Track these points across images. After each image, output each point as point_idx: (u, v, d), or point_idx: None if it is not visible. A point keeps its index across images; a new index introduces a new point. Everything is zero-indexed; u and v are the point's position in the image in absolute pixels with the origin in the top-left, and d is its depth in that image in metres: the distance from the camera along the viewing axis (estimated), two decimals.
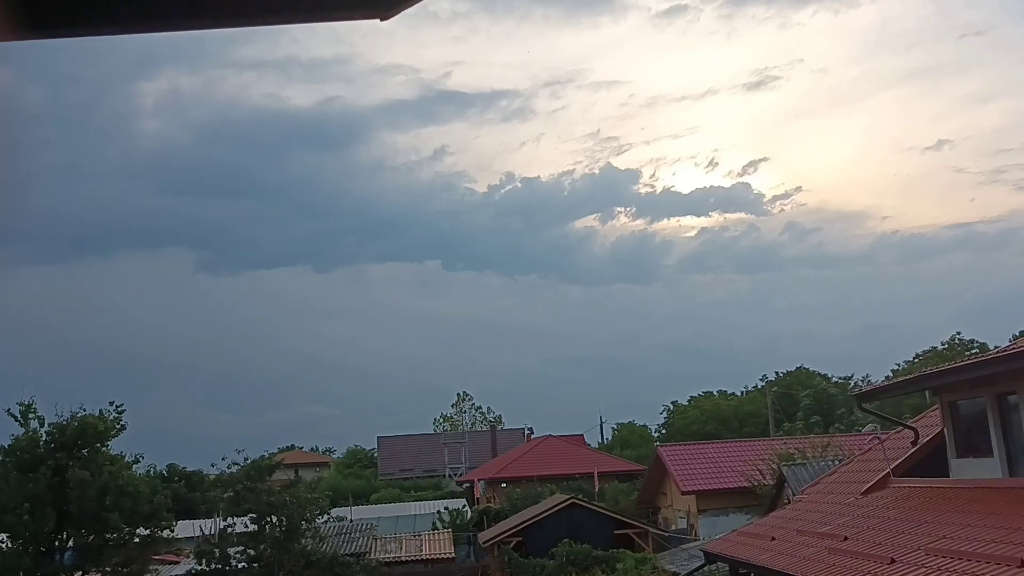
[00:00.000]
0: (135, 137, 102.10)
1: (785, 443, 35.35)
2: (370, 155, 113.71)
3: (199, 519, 40.10)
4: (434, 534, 38.98)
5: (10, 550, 29.43)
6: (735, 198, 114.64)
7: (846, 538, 14.59)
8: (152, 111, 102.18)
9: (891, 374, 54.52)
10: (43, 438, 30.44)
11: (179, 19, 1.41)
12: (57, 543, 30.40)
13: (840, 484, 19.31)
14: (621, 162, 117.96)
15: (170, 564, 34.37)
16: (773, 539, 17.35)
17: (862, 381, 61.26)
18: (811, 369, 68.59)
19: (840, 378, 66.55)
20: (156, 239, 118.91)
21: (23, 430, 30.50)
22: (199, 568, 30.78)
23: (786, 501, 24.43)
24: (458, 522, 42.71)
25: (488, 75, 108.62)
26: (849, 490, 18.10)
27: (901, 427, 19.24)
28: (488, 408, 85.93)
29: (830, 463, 25.18)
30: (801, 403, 57.43)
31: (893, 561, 12.22)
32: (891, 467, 17.05)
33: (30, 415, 30.55)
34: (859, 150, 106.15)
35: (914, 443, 17.49)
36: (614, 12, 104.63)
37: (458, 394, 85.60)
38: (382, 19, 1.39)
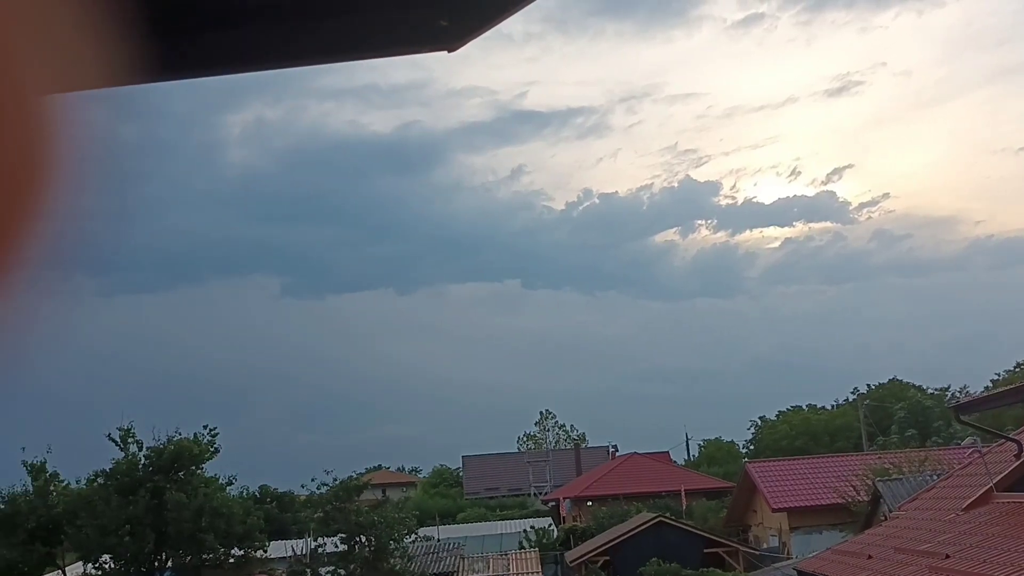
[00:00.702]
0: (222, 167, 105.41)
1: (879, 457, 34.33)
2: (448, 177, 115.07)
3: (290, 539, 40.86)
4: (521, 553, 38.91)
5: (112, 571, 30.47)
6: (819, 207, 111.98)
7: (948, 556, 14.07)
8: (238, 141, 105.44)
9: (990, 384, 52.42)
10: (141, 461, 31.51)
11: (267, 60, 1.47)
12: (156, 564, 31.35)
13: (939, 500, 18.64)
14: (700, 174, 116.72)
15: None
16: (870, 557, 16.84)
17: (959, 392, 59.00)
18: (905, 381, 66.46)
19: (936, 389, 64.25)
20: (244, 266, 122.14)
21: (123, 454, 31.65)
22: None
23: (882, 518, 23.67)
24: (544, 541, 42.55)
25: (563, 93, 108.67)
26: (949, 506, 17.46)
27: (1003, 439, 18.49)
28: (572, 426, 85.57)
29: (928, 478, 24.31)
30: (895, 416, 55.64)
31: None
32: (994, 481, 16.37)
33: (129, 439, 31.68)
34: (947, 153, 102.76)
35: (1018, 456, 16.78)
36: (688, 25, 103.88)
37: (541, 412, 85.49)
38: (449, 51, 1.42)
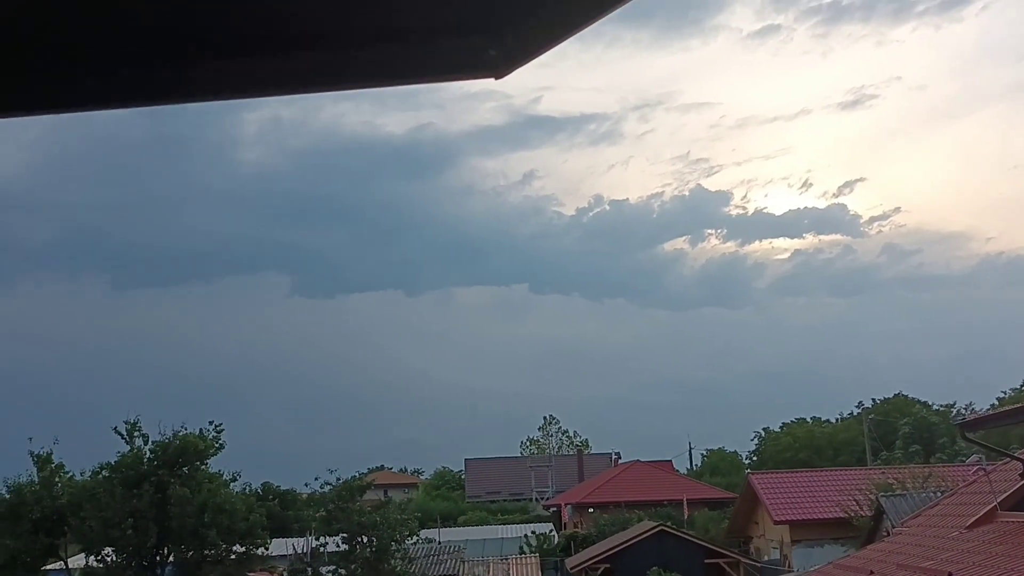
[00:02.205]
0: (237, 165, 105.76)
1: (883, 472, 34.18)
2: (460, 180, 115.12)
3: (292, 537, 40.94)
4: (521, 558, 38.91)
5: (115, 563, 30.57)
6: (830, 219, 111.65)
7: (950, 574, 14.03)
8: (254, 140, 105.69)
9: (996, 402, 52.21)
10: (147, 455, 31.64)
11: (319, 84, 1.53)
12: (158, 558, 31.43)
13: (943, 517, 18.60)
14: (711, 184, 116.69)
15: None
16: (872, 573, 16.81)
17: (965, 409, 58.77)
18: (910, 396, 66.24)
19: (941, 406, 64.00)
20: (255, 263, 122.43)
21: (128, 448, 31.78)
22: None
23: (885, 533, 23.61)
24: (545, 547, 42.52)
25: (577, 99, 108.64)
26: (953, 523, 17.41)
27: (1008, 458, 18.44)
28: (575, 432, 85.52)
29: (932, 494, 24.23)
30: (900, 431, 55.45)
31: None
32: (998, 500, 16.34)
33: (135, 433, 31.82)
34: (960, 169, 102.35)
35: (1023, 475, 16.74)
36: (704, 34, 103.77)
37: (545, 417, 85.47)
38: (496, 79, 1.47)
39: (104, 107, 1.68)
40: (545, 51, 1.41)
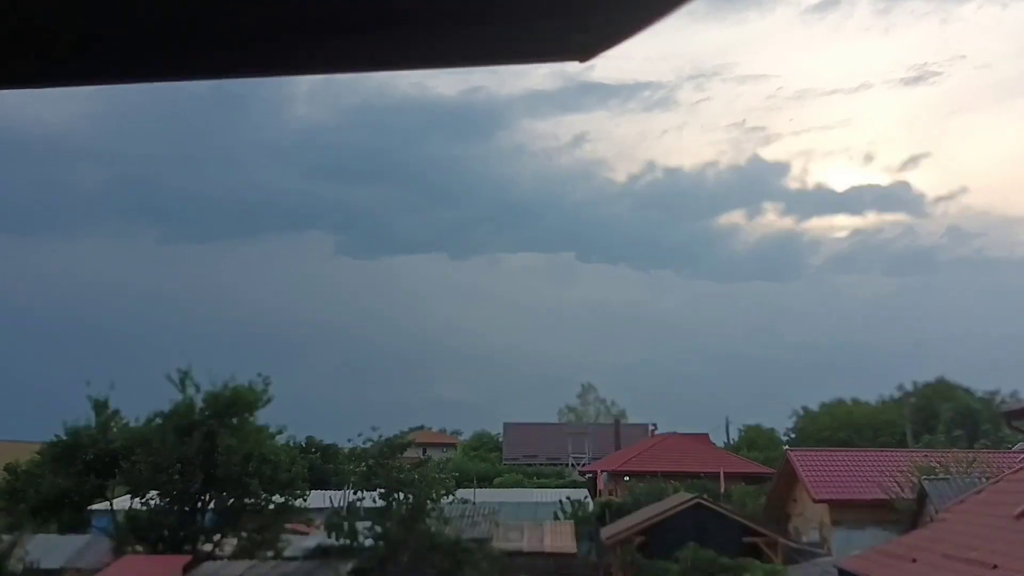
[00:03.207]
0: (288, 122, 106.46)
1: (926, 456, 33.76)
2: (510, 140, 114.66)
3: (330, 490, 41.65)
4: (557, 525, 38.98)
5: (158, 507, 31.38)
6: (893, 197, 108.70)
7: (996, 566, 13.89)
8: (306, 97, 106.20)
9: None
10: (199, 404, 32.32)
11: (415, 61, 1.56)
12: (200, 504, 32.17)
13: (988, 504, 18.35)
14: (768, 153, 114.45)
15: (300, 535, 35.72)
16: (914, 561, 16.70)
17: (1009, 397, 57.84)
18: (952, 381, 65.27)
19: (985, 393, 63.04)
20: (301, 221, 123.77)
21: (181, 396, 32.48)
22: (328, 543, 31.87)
23: (928, 519, 23.41)
24: (580, 514, 42.66)
25: (631, 67, 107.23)
26: (999, 511, 17.17)
27: None
28: (613, 401, 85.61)
29: (976, 480, 23.93)
30: (942, 416, 54.77)
31: None
32: None
33: (187, 382, 32.48)
34: None
35: None
36: (761, 7, 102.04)
37: (583, 385, 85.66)
38: (581, 62, 1.49)
39: (172, 78, 1.72)
40: (630, 37, 1.42)
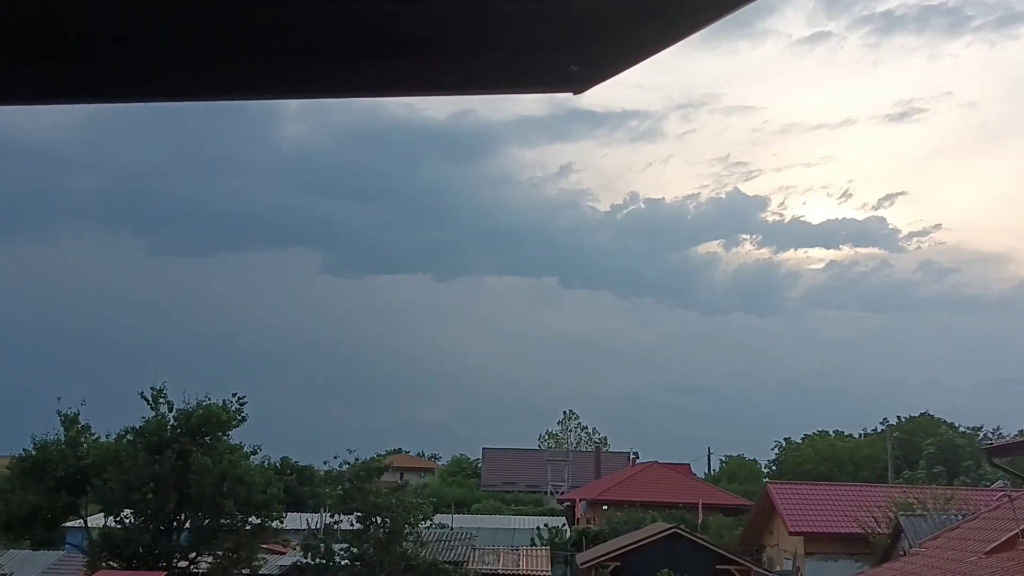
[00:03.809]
0: (279, 138, 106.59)
1: (904, 491, 33.81)
2: (498, 168, 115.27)
3: (306, 512, 41.31)
4: (532, 550, 38.94)
5: (133, 526, 31.04)
6: (868, 232, 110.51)
7: None
8: (296, 115, 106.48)
9: None
10: (170, 422, 32.05)
11: (405, 88, 1.55)
12: (175, 523, 31.86)
13: (962, 540, 18.39)
14: (749, 188, 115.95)
15: (276, 555, 35.48)
16: None
17: (992, 433, 58.04)
18: (936, 417, 65.48)
19: (968, 428, 63.22)
20: (287, 238, 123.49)
21: (153, 413, 32.20)
22: (304, 561, 31.67)
23: (901, 553, 23.40)
24: (557, 540, 42.56)
25: (620, 95, 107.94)
26: (972, 548, 17.22)
27: None
28: (594, 429, 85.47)
29: (953, 517, 23.96)
30: (924, 451, 54.83)
31: None
32: (1020, 527, 16.13)
33: (160, 400, 32.24)
34: (1005, 190, 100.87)
35: None
36: (753, 37, 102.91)
37: (565, 412, 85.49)
38: (575, 93, 1.49)
39: (154, 99, 1.71)
40: (624, 70, 1.42)
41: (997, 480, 37.99)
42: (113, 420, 48.47)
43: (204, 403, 32.17)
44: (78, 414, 34.68)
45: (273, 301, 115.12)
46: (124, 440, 32.77)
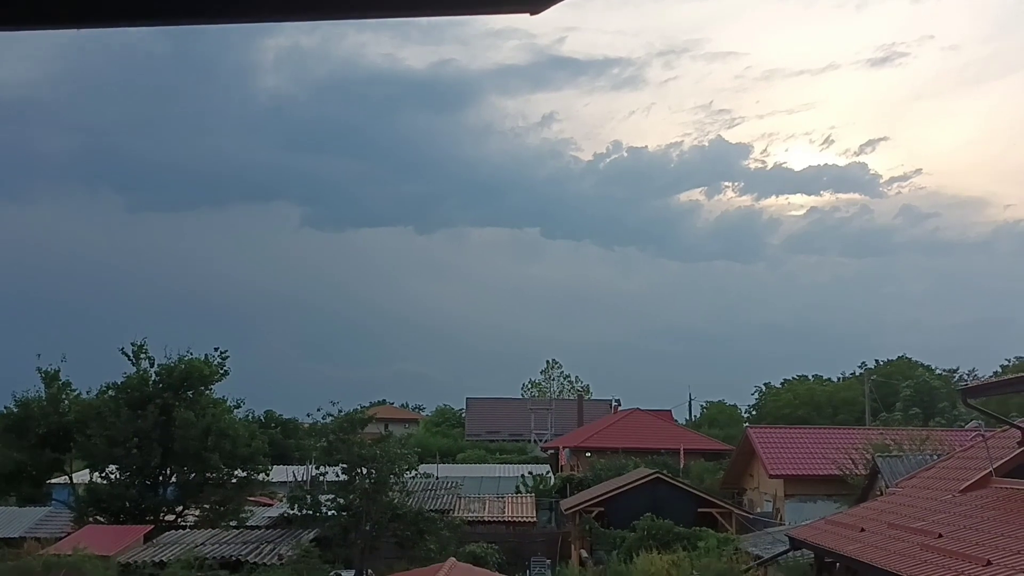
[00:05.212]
0: (255, 91, 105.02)
1: (881, 433, 34.40)
2: (479, 118, 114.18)
3: (292, 465, 41.54)
4: (517, 497, 39.47)
5: (118, 481, 31.13)
6: (849, 177, 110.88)
7: (940, 535, 14.19)
8: (272, 67, 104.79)
9: (1000, 370, 52.32)
10: (152, 378, 31.99)
11: (355, 10, 1.49)
12: (161, 478, 31.97)
13: (937, 480, 18.74)
14: (732, 135, 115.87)
15: (263, 507, 35.75)
16: (863, 530, 17.00)
17: (968, 375, 58.90)
18: (913, 359, 66.38)
19: (944, 370, 64.15)
20: (267, 192, 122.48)
21: (135, 369, 32.10)
22: (291, 513, 31.91)
23: (878, 493, 23.85)
24: (541, 488, 43.06)
25: (602, 42, 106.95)
26: (947, 487, 17.55)
27: (1007, 426, 18.51)
28: (576, 377, 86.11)
29: (928, 457, 24.41)
30: (901, 393, 55.67)
31: (989, 563, 11.85)
32: (994, 466, 16.45)
33: (141, 355, 32.12)
34: (984, 133, 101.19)
35: (1021, 443, 16.83)
36: None
37: (547, 361, 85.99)
38: (531, 14, 1.44)
39: (133, 23, 1.66)
40: None
41: (971, 421, 38.69)
42: (94, 377, 48.32)
43: (186, 358, 32.09)
44: (59, 371, 34.58)
45: (254, 256, 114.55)
46: (106, 396, 32.71)
